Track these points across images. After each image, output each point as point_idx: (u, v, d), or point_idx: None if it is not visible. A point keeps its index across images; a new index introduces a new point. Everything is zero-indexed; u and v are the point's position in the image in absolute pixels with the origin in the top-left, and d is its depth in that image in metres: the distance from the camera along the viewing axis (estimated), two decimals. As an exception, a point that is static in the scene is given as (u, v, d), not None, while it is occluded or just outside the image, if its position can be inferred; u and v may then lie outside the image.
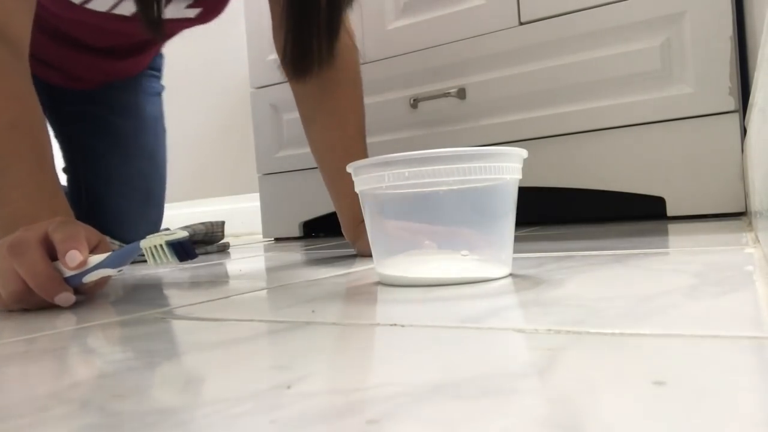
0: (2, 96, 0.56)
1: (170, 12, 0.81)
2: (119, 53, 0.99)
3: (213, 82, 2.00)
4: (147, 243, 0.48)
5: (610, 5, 1.01)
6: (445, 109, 1.17)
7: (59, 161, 1.08)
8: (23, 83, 0.59)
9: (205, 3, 0.83)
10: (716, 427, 0.16)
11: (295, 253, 0.95)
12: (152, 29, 0.71)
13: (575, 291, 0.38)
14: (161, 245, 0.47)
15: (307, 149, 0.85)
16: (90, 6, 0.79)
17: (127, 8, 0.80)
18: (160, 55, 1.15)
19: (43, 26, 0.85)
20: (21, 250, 0.47)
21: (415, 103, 1.20)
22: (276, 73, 1.41)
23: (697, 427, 0.16)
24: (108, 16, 0.80)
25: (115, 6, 0.79)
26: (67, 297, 0.48)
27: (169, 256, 0.47)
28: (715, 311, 0.29)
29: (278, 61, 0.83)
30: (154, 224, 1.09)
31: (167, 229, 0.55)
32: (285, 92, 1.47)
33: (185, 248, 0.47)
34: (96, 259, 0.49)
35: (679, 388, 0.19)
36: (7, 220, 0.53)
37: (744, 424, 0.16)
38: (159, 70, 1.15)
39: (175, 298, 0.53)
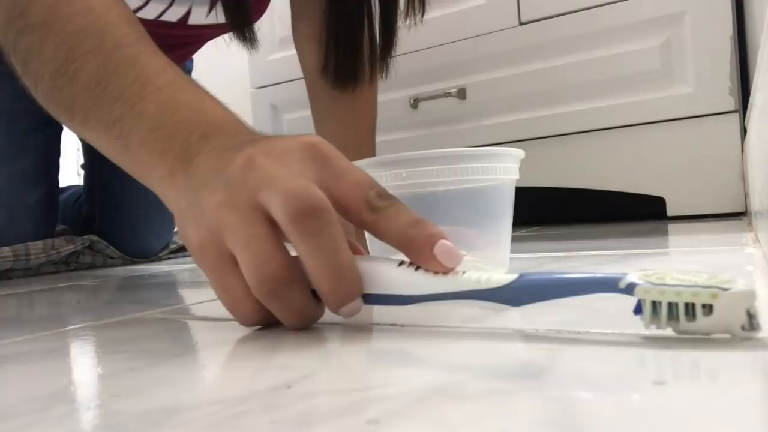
0: (100, 3, 0.45)
1: (213, 17, 0.80)
2: None
3: (213, 82, 2.00)
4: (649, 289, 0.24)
5: (610, 5, 1.01)
6: (445, 109, 1.17)
7: (79, 159, 1.07)
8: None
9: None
10: (716, 427, 0.16)
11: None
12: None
13: (575, 291, 0.38)
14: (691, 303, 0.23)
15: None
16: (138, 15, 0.78)
17: (174, 14, 0.79)
18: (190, 60, 1.13)
19: None
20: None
21: (415, 103, 1.20)
22: (276, 73, 1.43)
23: (697, 427, 0.16)
24: (154, 23, 0.79)
25: (162, 14, 0.78)
26: (356, 304, 0.31)
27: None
28: (715, 311, 0.29)
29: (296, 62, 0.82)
30: (169, 228, 1.06)
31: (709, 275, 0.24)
32: (285, 92, 1.48)
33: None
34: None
35: (679, 388, 0.19)
36: (162, 107, 0.40)
37: (744, 424, 0.16)
38: (188, 73, 1.14)
39: (176, 297, 0.53)
